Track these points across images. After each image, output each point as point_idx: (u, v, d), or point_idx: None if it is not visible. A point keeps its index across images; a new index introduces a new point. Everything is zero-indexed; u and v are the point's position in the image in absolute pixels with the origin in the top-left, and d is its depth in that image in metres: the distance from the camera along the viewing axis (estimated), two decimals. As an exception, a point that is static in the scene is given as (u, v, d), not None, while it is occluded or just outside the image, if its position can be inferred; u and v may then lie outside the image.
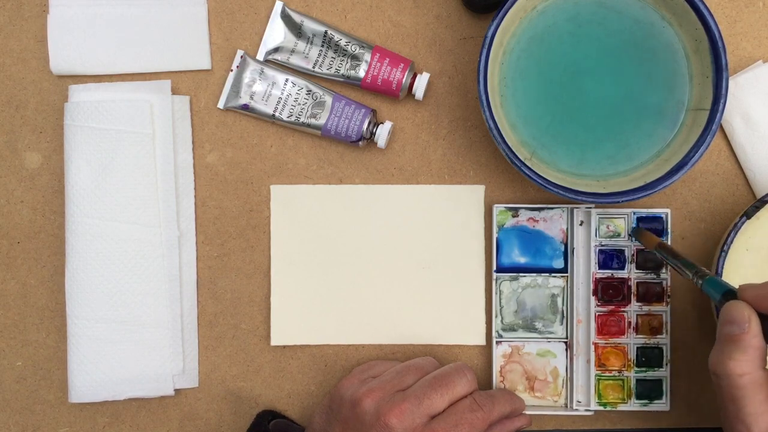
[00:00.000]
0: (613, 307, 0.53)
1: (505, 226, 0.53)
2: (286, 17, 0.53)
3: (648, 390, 0.52)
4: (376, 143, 0.53)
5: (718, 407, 0.42)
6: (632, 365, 0.53)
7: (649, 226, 0.52)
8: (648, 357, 0.52)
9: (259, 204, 0.55)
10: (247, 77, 0.53)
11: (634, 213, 0.53)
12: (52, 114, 0.54)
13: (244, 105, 0.53)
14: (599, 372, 0.52)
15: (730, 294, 0.41)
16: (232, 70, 0.53)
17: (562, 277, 0.53)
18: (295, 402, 0.54)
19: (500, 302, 0.53)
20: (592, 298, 0.53)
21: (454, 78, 0.54)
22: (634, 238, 0.52)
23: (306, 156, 0.55)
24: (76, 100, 0.53)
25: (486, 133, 0.54)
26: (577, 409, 0.53)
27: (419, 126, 0.54)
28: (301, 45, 0.53)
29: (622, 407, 0.52)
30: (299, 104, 0.53)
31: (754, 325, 0.39)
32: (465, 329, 0.54)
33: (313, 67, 0.53)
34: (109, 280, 0.53)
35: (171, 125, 0.54)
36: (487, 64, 0.47)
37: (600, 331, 0.53)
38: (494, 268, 0.53)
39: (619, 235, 0.53)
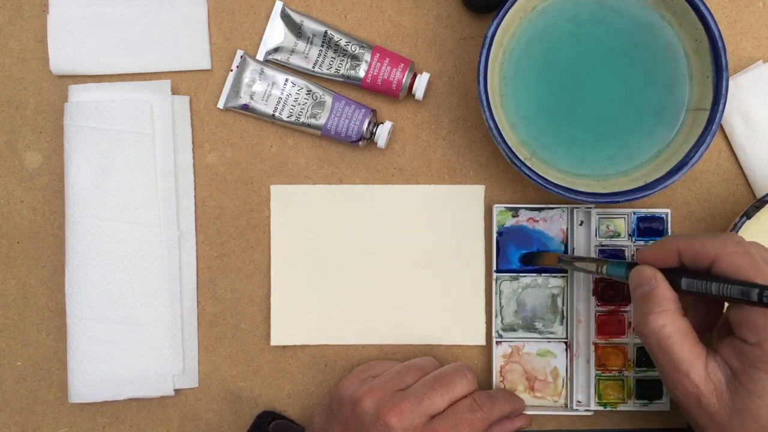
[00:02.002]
0: (613, 307, 0.53)
1: (505, 226, 0.53)
2: (286, 17, 0.54)
3: (648, 390, 0.52)
4: (376, 143, 0.53)
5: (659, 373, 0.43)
6: (632, 365, 0.53)
7: (649, 226, 0.53)
8: (648, 357, 0.52)
9: (259, 204, 0.55)
10: (247, 77, 0.53)
11: (634, 213, 0.53)
12: (52, 114, 0.54)
13: (244, 105, 0.53)
14: (599, 372, 0.52)
15: (633, 265, 0.44)
16: (232, 70, 0.53)
17: (562, 277, 0.53)
18: (295, 402, 0.54)
19: (500, 302, 0.53)
20: (592, 298, 0.53)
21: (454, 78, 0.54)
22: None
23: (306, 156, 0.55)
24: (76, 100, 0.53)
25: (486, 133, 0.54)
26: (577, 409, 0.53)
27: (419, 126, 0.54)
28: (301, 45, 0.53)
29: (622, 407, 0.52)
30: (299, 104, 0.53)
31: (660, 279, 0.42)
32: (465, 329, 0.54)
33: (313, 67, 0.53)
34: (109, 280, 0.53)
35: (171, 125, 0.54)
36: (487, 64, 0.47)
37: (600, 331, 0.53)
38: (494, 268, 0.53)
39: (619, 235, 0.53)
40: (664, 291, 0.42)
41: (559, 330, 0.53)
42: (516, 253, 0.53)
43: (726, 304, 0.44)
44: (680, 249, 0.42)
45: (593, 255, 0.53)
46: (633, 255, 0.52)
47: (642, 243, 0.52)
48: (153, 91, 0.54)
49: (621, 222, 0.53)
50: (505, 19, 0.47)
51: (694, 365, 0.41)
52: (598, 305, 0.53)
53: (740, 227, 0.49)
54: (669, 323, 0.41)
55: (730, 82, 0.52)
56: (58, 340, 0.54)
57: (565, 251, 0.53)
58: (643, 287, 0.42)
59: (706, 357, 0.41)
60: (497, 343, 0.53)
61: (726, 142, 0.54)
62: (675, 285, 0.42)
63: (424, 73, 0.53)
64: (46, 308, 0.55)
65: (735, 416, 0.40)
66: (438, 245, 0.54)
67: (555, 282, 0.53)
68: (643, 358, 0.52)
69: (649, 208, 0.53)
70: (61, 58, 0.53)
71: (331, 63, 0.53)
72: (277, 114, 0.53)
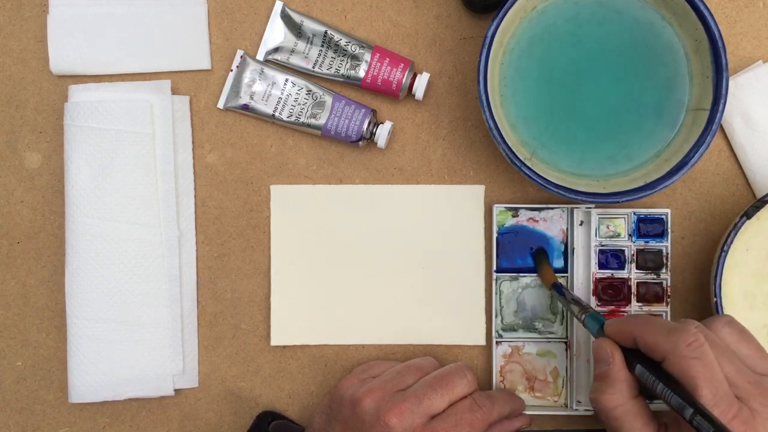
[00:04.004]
0: (613, 307, 0.53)
1: (505, 226, 0.53)
2: (286, 17, 0.54)
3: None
4: (376, 143, 0.53)
5: None
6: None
7: (648, 227, 0.52)
8: (648, 357, 0.52)
9: (259, 204, 0.55)
10: (247, 77, 0.53)
11: (634, 213, 0.53)
12: (52, 114, 0.54)
13: (244, 105, 0.53)
14: (599, 372, 0.52)
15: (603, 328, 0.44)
16: (232, 70, 0.53)
17: (562, 277, 0.53)
18: (295, 402, 0.55)
19: (500, 302, 0.53)
20: (592, 298, 0.53)
21: (454, 78, 0.54)
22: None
23: (306, 156, 0.55)
24: (76, 100, 0.53)
25: (486, 133, 0.54)
26: (577, 409, 0.53)
27: (419, 126, 0.54)
28: (301, 45, 0.53)
29: (622, 407, 0.52)
30: (299, 104, 0.53)
31: (617, 359, 0.42)
32: (465, 329, 0.54)
33: (313, 67, 0.53)
34: (109, 280, 0.53)
35: (171, 125, 0.54)
36: (487, 64, 0.47)
37: (600, 331, 0.53)
38: (494, 268, 0.53)
39: (619, 235, 0.53)
40: (619, 373, 0.41)
41: (559, 330, 0.53)
42: (516, 255, 0.53)
43: None
44: (636, 337, 0.41)
45: (594, 255, 0.53)
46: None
47: (642, 243, 0.52)
48: (153, 91, 0.54)
49: (621, 222, 0.53)
50: (505, 19, 0.47)
51: None
52: (598, 305, 0.53)
53: (740, 227, 0.49)
54: (619, 406, 0.41)
55: (730, 82, 0.52)
56: (58, 340, 0.54)
57: (565, 251, 0.53)
58: (600, 363, 0.43)
59: None
60: (497, 343, 0.53)
61: (726, 142, 0.54)
62: (631, 367, 0.42)
63: (424, 73, 0.53)
64: (46, 308, 0.55)
65: None
66: (438, 245, 0.54)
67: (555, 282, 0.53)
68: (643, 358, 0.53)
69: (649, 208, 0.53)
70: (61, 58, 0.53)
71: (331, 63, 0.53)
72: (277, 114, 0.53)
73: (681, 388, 0.38)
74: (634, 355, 0.42)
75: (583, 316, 0.46)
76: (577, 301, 0.48)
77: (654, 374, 0.40)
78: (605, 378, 0.42)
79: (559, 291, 0.50)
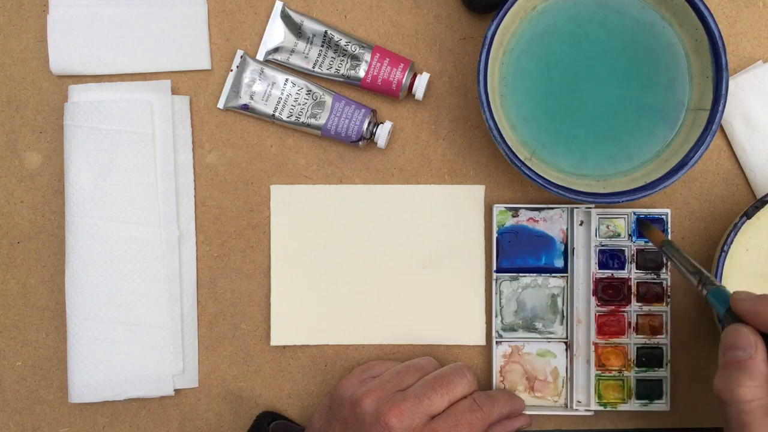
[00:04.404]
0: (613, 307, 0.53)
1: (505, 226, 0.53)
2: (286, 17, 0.53)
3: (648, 390, 0.52)
4: (376, 143, 0.53)
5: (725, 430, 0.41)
6: (632, 365, 0.53)
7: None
8: (648, 357, 0.52)
9: (259, 204, 0.55)
10: (247, 77, 0.53)
11: (634, 213, 0.53)
12: (52, 114, 0.54)
13: (244, 105, 0.53)
14: (599, 372, 0.52)
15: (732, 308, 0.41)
16: (232, 70, 0.53)
17: (562, 277, 0.53)
18: (295, 402, 0.54)
19: (500, 302, 0.53)
20: (592, 298, 0.53)
21: (454, 78, 0.54)
22: (636, 233, 0.52)
23: (306, 156, 0.55)
24: (75, 100, 0.53)
25: (486, 133, 0.54)
26: (577, 409, 0.53)
27: (419, 126, 0.54)
28: (301, 45, 0.53)
29: (622, 407, 0.52)
30: (299, 104, 0.53)
31: (761, 351, 0.39)
32: (465, 329, 0.54)
33: (313, 67, 0.53)
34: (109, 280, 0.53)
35: (171, 125, 0.54)
36: (487, 64, 0.47)
37: (600, 331, 0.53)
38: (494, 268, 0.53)
39: (619, 235, 0.53)
40: (761, 365, 0.38)
41: (559, 330, 0.53)
42: (516, 256, 0.53)
43: None
44: None
45: (594, 255, 0.53)
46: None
47: (642, 243, 0.52)
48: (153, 91, 0.54)
49: (621, 222, 0.53)
50: (505, 19, 0.47)
51: None
52: (598, 305, 0.53)
53: (740, 227, 0.49)
54: (757, 400, 0.38)
55: (730, 82, 0.52)
56: (58, 340, 0.54)
57: (565, 251, 0.53)
58: (738, 352, 0.39)
59: None
60: (497, 343, 0.53)
61: (726, 142, 0.54)
62: None
63: (424, 73, 0.53)
64: (46, 308, 0.55)
65: None
66: (438, 245, 0.54)
67: (555, 282, 0.53)
68: (643, 358, 0.52)
69: (649, 208, 0.53)
70: (61, 58, 0.53)
71: (331, 63, 0.53)
72: (277, 114, 0.53)
73: None
74: None
75: (704, 289, 0.43)
76: (696, 269, 0.44)
77: None
78: (744, 368, 0.38)
79: (669, 256, 0.46)
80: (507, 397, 0.50)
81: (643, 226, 0.51)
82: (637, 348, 0.53)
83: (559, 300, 0.53)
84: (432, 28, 0.54)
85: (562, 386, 0.53)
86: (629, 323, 0.53)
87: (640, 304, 0.53)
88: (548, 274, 0.53)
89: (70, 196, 0.52)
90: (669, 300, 0.53)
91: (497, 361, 0.53)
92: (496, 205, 0.53)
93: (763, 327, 0.39)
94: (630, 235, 0.53)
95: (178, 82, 0.54)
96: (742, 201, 0.54)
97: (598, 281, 0.53)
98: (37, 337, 0.55)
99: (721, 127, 0.54)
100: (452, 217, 0.54)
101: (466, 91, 0.54)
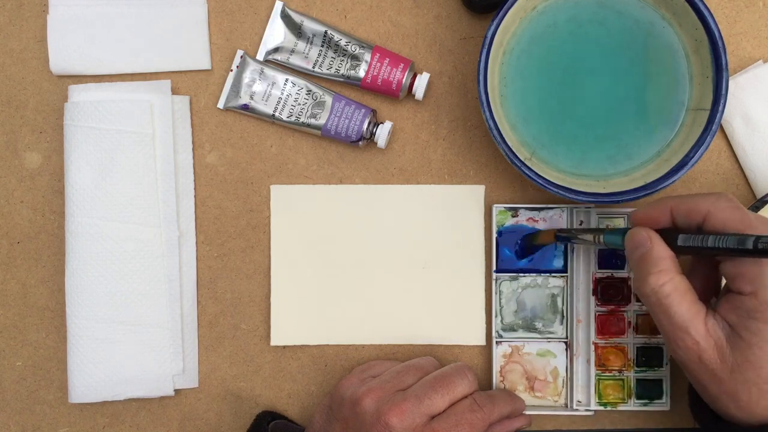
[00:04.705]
0: (613, 306, 0.53)
1: (504, 226, 0.53)
2: (286, 17, 0.54)
3: (648, 390, 0.52)
4: (376, 143, 0.53)
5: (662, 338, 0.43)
6: (632, 365, 0.53)
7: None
8: (648, 357, 0.52)
9: (259, 204, 0.55)
10: (247, 77, 0.53)
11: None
12: (52, 114, 0.54)
13: (244, 105, 0.53)
14: (599, 372, 0.53)
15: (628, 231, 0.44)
16: (232, 70, 0.53)
17: (562, 277, 0.53)
18: (295, 402, 0.55)
19: (500, 302, 0.53)
20: (592, 298, 0.53)
21: (454, 78, 0.54)
22: (523, 248, 0.53)
23: (306, 156, 0.55)
24: (75, 100, 0.53)
25: (486, 133, 0.54)
26: (577, 409, 0.53)
27: (419, 126, 0.54)
28: (301, 45, 0.53)
29: (622, 407, 0.52)
30: (299, 104, 0.53)
31: (656, 238, 0.42)
32: (465, 329, 0.54)
33: (313, 67, 0.53)
34: (109, 280, 0.53)
35: (171, 125, 0.54)
36: (487, 64, 0.47)
37: (600, 331, 0.53)
38: (494, 268, 0.53)
39: (619, 235, 0.53)
40: (660, 250, 0.42)
41: (559, 330, 0.53)
42: (513, 256, 0.53)
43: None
44: (672, 207, 0.42)
45: (594, 254, 0.53)
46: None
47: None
48: (153, 91, 0.54)
49: (621, 222, 0.53)
50: (505, 19, 0.47)
51: (693, 322, 0.41)
52: (598, 305, 0.53)
53: (740, 227, 0.49)
54: (667, 282, 0.41)
55: (730, 82, 0.52)
56: (58, 340, 0.54)
57: (565, 250, 0.53)
58: (639, 249, 0.42)
59: (706, 314, 0.41)
60: (497, 343, 0.53)
61: (726, 142, 0.54)
62: (671, 244, 0.42)
63: (424, 73, 0.53)
64: (46, 308, 0.55)
65: (736, 371, 0.40)
66: (438, 245, 0.54)
67: (555, 282, 0.53)
68: (643, 357, 0.52)
69: (649, 208, 0.53)
70: (61, 58, 0.53)
71: (331, 63, 0.53)
72: (277, 114, 0.53)
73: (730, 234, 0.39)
74: (669, 232, 0.42)
75: (600, 237, 0.46)
76: (588, 230, 0.48)
77: (699, 235, 0.40)
78: (647, 259, 0.42)
79: (565, 237, 0.50)
80: (507, 397, 0.50)
81: (530, 239, 0.53)
82: (637, 348, 0.53)
83: (559, 300, 0.53)
84: (432, 28, 0.54)
85: (562, 386, 0.53)
86: (629, 323, 0.53)
87: (640, 303, 0.53)
88: (548, 274, 0.53)
89: (70, 196, 0.52)
90: (669, 300, 0.53)
91: (497, 361, 0.53)
92: (495, 205, 0.53)
93: (660, 223, 0.43)
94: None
95: (178, 82, 0.54)
96: (742, 201, 0.54)
97: (598, 281, 0.53)
98: (37, 337, 0.55)
99: (721, 127, 0.54)
100: (452, 217, 0.54)
101: (466, 91, 0.54)
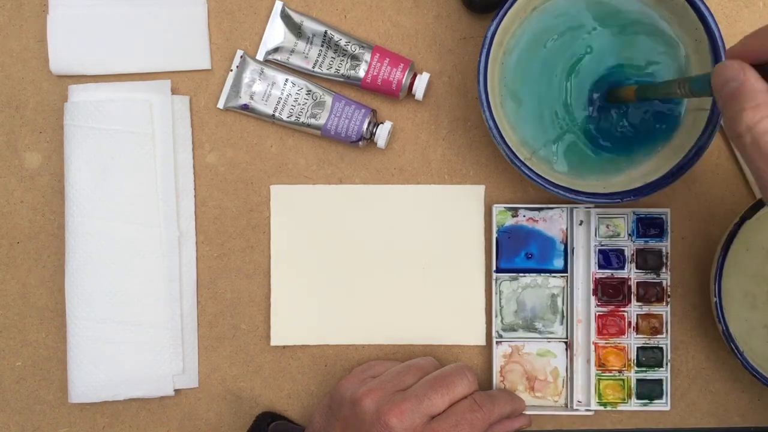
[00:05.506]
0: (613, 307, 0.53)
1: (504, 225, 0.53)
2: (286, 17, 0.53)
3: (648, 390, 0.52)
4: (376, 143, 0.53)
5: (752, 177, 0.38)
6: (632, 365, 0.53)
7: (648, 228, 0.53)
8: (648, 357, 0.52)
9: (259, 204, 0.55)
10: (247, 77, 0.53)
11: (634, 213, 0.53)
12: (52, 114, 0.54)
13: (244, 105, 0.53)
14: (599, 372, 0.53)
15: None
16: (232, 70, 0.53)
17: (562, 277, 0.53)
18: (295, 402, 0.55)
19: (500, 302, 0.53)
20: (592, 298, 0.53)
21: (454, 78, 0.54)
22: (602, 103, 0.50)
23: (306, 156, 0.55)
24: (75, 100, 0.53)
25: (486, 133, 0.54)
26: (577, 409, 0.53)
27: (419, 126, 0.54)
28: (301, 45, 0.53)
29: (622, 407, 0.52)
30: (299, 104, 0.53)
31: (750, 71, 0.37)
32: (465, 329, 0.54)
33: (313, 67, 0.53)
34: (109, 280, 0.53)
35: (171, 125, 0.54)
36: (487, 64, 0.47)
37: (600, 331, 0.53)
38: (494, 268, 0.53)
39: (618, 234, 0.53)
40: (755, 83, 0.36)
41: (559, 330, 0.53)
42: (512, 256, 0.53)
43: None
44: None
45: (593, 254, 0.53)
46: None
47: (642, 242, 0.53)
48: (153, 91, 0.54)
49: (621, 222, 0.53)
50: (505, 19, 0.47)
51: None
52: (598, 305, 0.53)
53: (740, 227, 0.49)
54: (766, 117, 0.36)
55: (730, 82, 0.52)
56: (58, 340, 0.54)
57: (565, 250, 0.53)
58: (730, 83, 0.37)
59: None
60: (497, 343, 0.53)
61: (726, 142, 0.54)
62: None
63: (424, 73, 0.53)
64: (46, 308, 0.55)
65: None
66: (438, 245, 0.54)
67: (555, 282, 0.53)
68: (643, 358, 0.52)
69: (649, 207, 0.53)
70: (61, 58, 0.53)
71: (331, 63, 0.53)
72: (277, 114, 0.53)
73: None
74: (764, 68, 0.37)
75: (686, 86, 0.41)
76: (670, 82, 0.43)
77: None
78: (741, 94, 0.36)
79: (645, 88, 0.46)
80: (507, 397, 0.50)
81: (611, 94, 0.49)
82: (637, 348, 0.53)
83: (559, 300, 0.53)
84: (432, 28, 0.54)
85: (562, 386, 0.53)
86: (629, 323, 0.53)
87: (640, 304, 0.53)
88: (548, 274, 0.53)
89: (70, 196, 0.52)
90: (669, 300, 0.53)
91: (497, 361, 0.53)
92: (495, 205, 0.53)
93: (757, 58, 0.37)
94: (630, 235, 0.53)
95: (178, 82, 0.54)
96: (742, 201, 0.54)
97: (597, 281, 0.53)
98: (37, 337, 0.55)
99: (721, 127, 0.54)
100: (452, 217, 0.54)
101: (466, 91, 0.54)
